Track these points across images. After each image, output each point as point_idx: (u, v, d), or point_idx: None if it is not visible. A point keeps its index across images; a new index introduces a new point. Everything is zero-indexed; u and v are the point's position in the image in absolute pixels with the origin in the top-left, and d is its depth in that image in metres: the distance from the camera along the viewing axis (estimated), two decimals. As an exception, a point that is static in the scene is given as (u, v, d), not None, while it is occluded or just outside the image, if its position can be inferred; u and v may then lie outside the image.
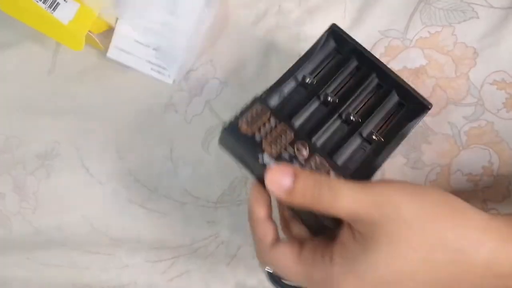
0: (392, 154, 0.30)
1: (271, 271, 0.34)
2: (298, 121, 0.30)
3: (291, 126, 0.28)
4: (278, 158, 0.27)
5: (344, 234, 0.24)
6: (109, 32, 0.43)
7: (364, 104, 0.31)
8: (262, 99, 0.29)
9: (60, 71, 0.44)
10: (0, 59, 0.45)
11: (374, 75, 0.31)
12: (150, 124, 0.41)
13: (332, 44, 0.32)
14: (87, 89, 0.43)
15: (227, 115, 0.29)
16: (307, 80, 0.31)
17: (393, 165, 0.36)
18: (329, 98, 0.30)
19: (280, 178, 0.24)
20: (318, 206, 0.24)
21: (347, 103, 0.30)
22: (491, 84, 0.35)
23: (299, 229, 0.29)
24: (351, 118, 0.30)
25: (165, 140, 0.41)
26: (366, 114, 0.30)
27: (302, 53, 0.31)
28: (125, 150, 0.41)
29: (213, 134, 0.40)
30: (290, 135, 0.28)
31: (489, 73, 0.35)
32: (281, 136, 0.28)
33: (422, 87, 0.36)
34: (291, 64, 0.31)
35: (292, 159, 0.27)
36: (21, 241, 0.41)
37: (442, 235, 0.21)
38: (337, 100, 0.30)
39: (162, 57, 0.39)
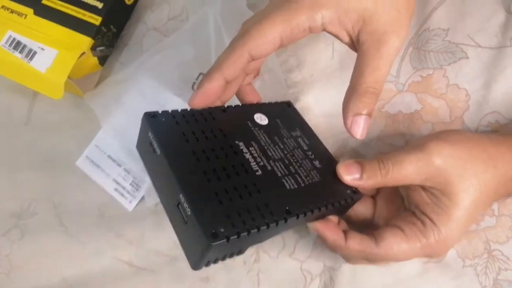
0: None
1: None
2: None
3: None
4: None
5: (422, 198, 0.29)
6: (90, 76, 0.41)
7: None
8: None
9: (37, 122, 0.42)
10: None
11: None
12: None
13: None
14: (65, 140, 0.41)
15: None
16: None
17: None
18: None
19: (351, 171, 0.29)
20: (388, 181, 0.28)
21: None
22: (486, 126, 0.34)
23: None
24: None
25: (151, 192, 0.38)
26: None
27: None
28: (107, 206, 0.39)
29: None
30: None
31: (483, 115, 0.35)
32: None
33: (418, 133, 0.35)
34: None
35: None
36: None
37: (488, 173, 0.29)
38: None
39: (130, 181, 0.39)
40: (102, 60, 0.42)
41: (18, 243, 0.39)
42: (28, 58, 0.38)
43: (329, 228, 0.29)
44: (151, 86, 0.38)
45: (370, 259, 0.30)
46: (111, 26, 0.41)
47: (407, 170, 0.28)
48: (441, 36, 0.37)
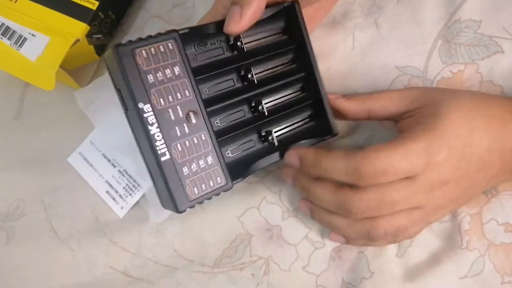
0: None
1: None
2: (205, 85, 0.27)
3: (194, 86, 0.25)
4: (160, 114, 0.23)
5: (412, 122, 0.28)
6: (86, 67, 0.38)
7: (279, 100, 0.30)
8: (179, 36, 0.24)
9: (28, 116, 0.39)
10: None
11: (303, 75, 0.30)
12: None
13: (282, 22, 0.30)
14: (58, 137, 0.38)
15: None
16: (238, 43, 0.27)
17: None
18: (249, 75, 0.28)
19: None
20: (373, 103, 0.29)
21: (263, 90, 0.28)
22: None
23: None
24: (259, 108, 0.28)
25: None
26: (276, 111, 0.29)
27: None
28: (101, 209, 0.36)
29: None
30: (188, 97, 0.24)
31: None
32: (178, 92, 0.24)
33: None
34: None
35: (176, 123, 0.24)
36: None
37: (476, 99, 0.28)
38: (256, 81, 0.28)
39: (124, 184, 0.36)
40: (100, 50, 0.38)
41: (3, 248, 0.35)
42: (18, 45, 0.35)
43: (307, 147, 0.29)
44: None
45: (357, 169, 0.26)
46: (110, 12, 0.37)
47: (391, 94, 0.29)
48: (473, 28, 0.34)
